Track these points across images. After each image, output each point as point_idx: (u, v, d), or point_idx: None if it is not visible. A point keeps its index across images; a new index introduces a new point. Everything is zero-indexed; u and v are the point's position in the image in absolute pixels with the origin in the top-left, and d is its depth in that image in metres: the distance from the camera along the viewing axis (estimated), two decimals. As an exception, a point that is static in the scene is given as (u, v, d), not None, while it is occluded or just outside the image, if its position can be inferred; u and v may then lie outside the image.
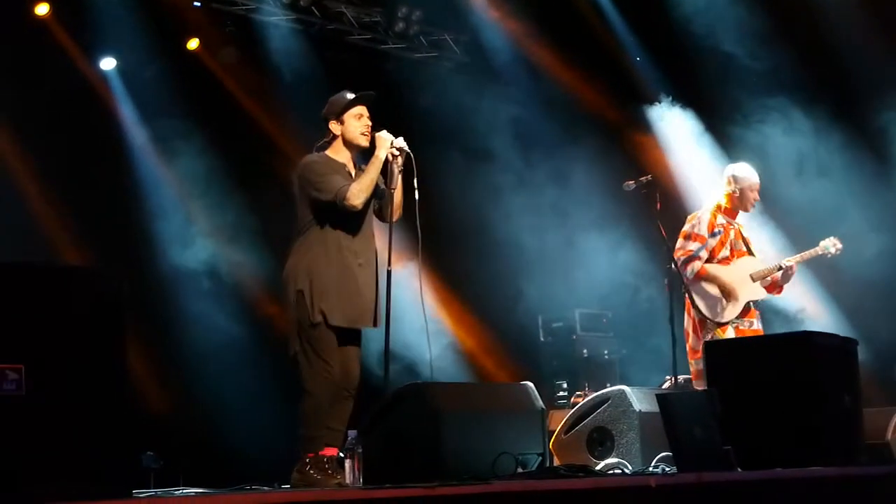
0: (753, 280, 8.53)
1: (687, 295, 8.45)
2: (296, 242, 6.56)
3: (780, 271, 8.56)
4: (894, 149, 10.70)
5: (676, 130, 11.53)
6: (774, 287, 8.68)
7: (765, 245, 9.05)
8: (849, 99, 10.83)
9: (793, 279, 8.71)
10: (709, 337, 8.34)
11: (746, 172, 8.68)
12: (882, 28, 10.62)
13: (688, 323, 8.53)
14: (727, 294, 8.43)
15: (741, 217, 8.79)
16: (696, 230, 8.55)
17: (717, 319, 8.40)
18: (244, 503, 4.64)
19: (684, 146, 11.47)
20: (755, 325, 8.53)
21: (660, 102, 11.49)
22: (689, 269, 8.42)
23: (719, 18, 11.05)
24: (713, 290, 8.45)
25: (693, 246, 8.48)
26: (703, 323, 8.43)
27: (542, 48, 12.35)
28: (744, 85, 11.07)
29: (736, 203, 8.66)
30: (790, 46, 10.97)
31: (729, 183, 8.66)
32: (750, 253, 8.67)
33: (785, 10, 11.04)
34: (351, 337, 6.55)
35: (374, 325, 6.66)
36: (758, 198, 8.72)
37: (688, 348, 8.52)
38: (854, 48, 10.75)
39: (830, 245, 8.58)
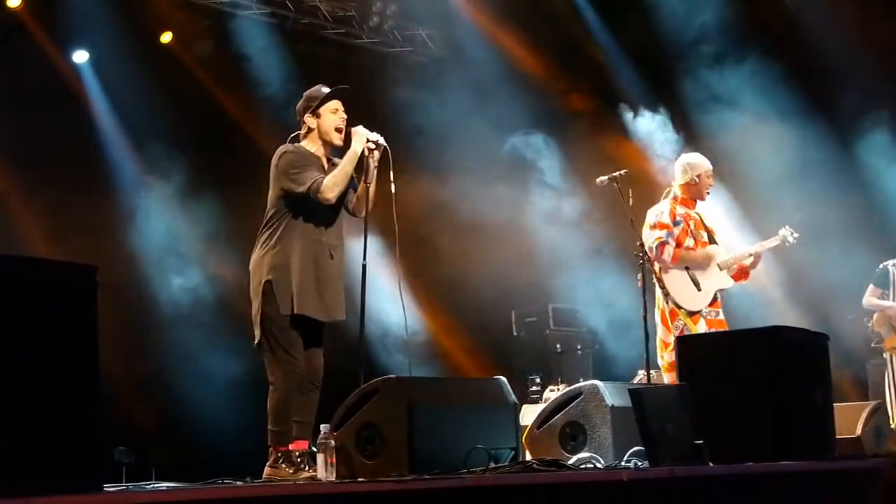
0: (720, 269, 8.58)
1: (659, 285, 8.48)
2: (265, 232, 6.53)
3: (751, 258, 8.62)
4: (861, 147, 10.81)
5: (651, 132, 11.61)
6: (742, 274, 8.73)
7: (728, 234, 9.10)
8: (819, 99, 10.92)
9: (760, 270, 8.81)
10: (680, 327, 8.37)
11: (700, 160, 8.75)
12: (854, 25, 10.70)
13: (658, 314, 8.55)
14: (697, 282, 8.48)
15: (700, 206, 8.82)
16: (660, 220, 8.59)
17: (689, 308, 8.44)
18: (216, 497, 4.63)
19: (656, 134, 11.55)
20: (721, 315, 8.59)
21: (638, 112, 11.56)
22: (664, 253, 8.45)
23: (692, 15, 11.13)
24: (684, 279, 8.49)
25: (661, 234, 8.51)
26: (674, 314, 8.46)
27: (514, 42, 12.37)
28: (714, 80, 11.14)
29: (693, 192, 8.70)
30: (762, 42, 11.06)
31: (685, 172, 8.70)
32: (712, 241, 8.71)
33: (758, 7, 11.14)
34: (316, 329, 6.54)
35: (345, 317, 6.66)
36: (712, 184, 8.77)
37: (658, 341, 8.54)
38: (827, 46, 10.83)
39: (788, 234, 8.64)
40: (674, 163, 8.95)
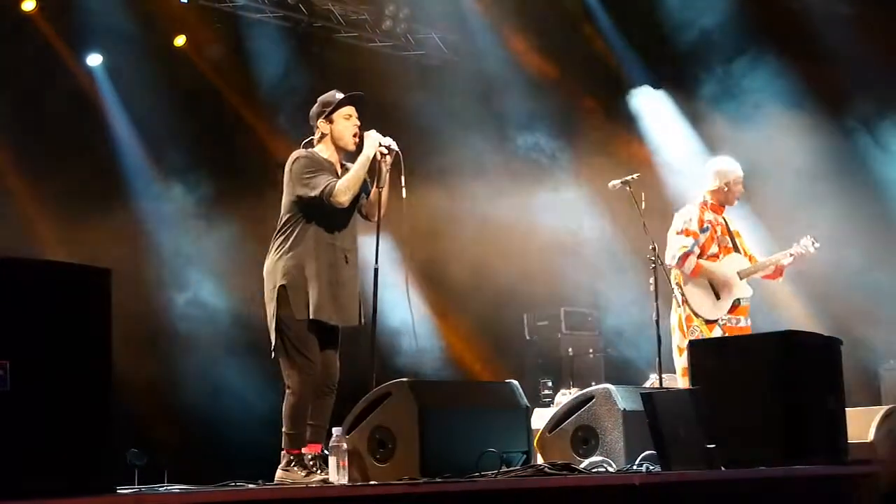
0: (741, 277, 8.55)
1: (678, 290, 8.46)
2: (279, 237, 6.54)
3: (791, 258, 8.57)
4: (875, 147, 10.80)
5: (660, 117, 11.64)
6: (777, 273, 8.71)
7: (747, 238, 9.08)
8: (833, 100, 10.90)
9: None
10: (695, 333, 8.35)
11: (731, 166, 8.71)
12: (865, 22, 10.70)
13: (675, 319, 8.53)
14: (717, 291, 8.46)
15: (727, 212, 8.80)
16: (688, 226, 8.54)
17: (706, 316, 8.42)
18: (228, 500, 4.64)
19: (668, 135, 11.56)
20: (742, 323, 8.54)
21: (647, 86, 11.61)
22: (685, 264, 8.42)
23: (705, 15, 11.14)
24: (704, 287, 8.47)
25: (687, 241, 8.47)
26: (690, 319, 8.44)
27: (526, 45, 12.37)
28: (728, 81, 11.15)
29: (721, 198, 8.67)
30: (778, 43, 11.06)
31: (715, 178, 8.68)
32: (736, 249, 8.68)
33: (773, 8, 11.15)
34: (331, 333, 6.55)
35: (360, 322, 6.67)
36: (742, 190, 8.74)
37: (675, 346, 8.53)
38: (840, 45, 10.82)
39: (810, 244, 8.60)
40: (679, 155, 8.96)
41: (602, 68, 12.43)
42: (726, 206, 8.74)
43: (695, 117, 11.59)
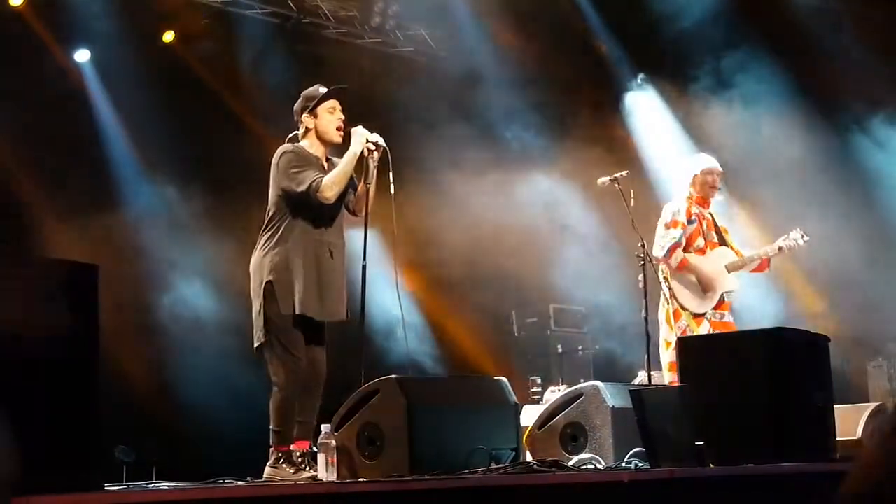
0: (729, 271, 8.57)
1: (666, 285, 8.47)
2: (265, 233, 6.53)
3: (779, 252, 8.58)
4: (862, 146, 10.83)
5: (651, 113, 11.65)
6: (765, 265, 8.73)
7: (738, 234, 9.09)
8: (826, 96, 10.92)
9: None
10: (682, 328, 8.36)
11: (701, 158, 8.77)
12: (858, 18, 10.72)
13: (662, 313, 8.54)
14: (704, 285, 8.47)
15: (714, 207, 8.82)
16: (676, 217, 8.56)
17: (694, 310, 8.43)
18: (216, 497, 4.63)
19: (659, 132, 11.57)
20: (727, 318, 8.57)
21: (637, 81, 11.59)
22: (672, 257, 8.44)
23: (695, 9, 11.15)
24: (692, 280, 8.49)
25: (675, 233, 8.49)
26: (677, 314, 8.45)
27: (516, 40, 12.36)
28: (721, 77, 11.17)
29: (703, 192, 8.69)
30: (771, 39, 11.08)
31: (688, 171, 8.71)
32: (723, 242, 8.70)
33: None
34: (318, 328, 6.54)
35: (346, 317, 6.66)
36: (716, 181, 8.71)
37: (661, 340, 8.54)
38: (833, 41, 10.84)
39: (799, 236, 8.61)
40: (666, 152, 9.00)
41: (592, 63, 12.43)
42: (710, 201, 8.75)
43: (686, 113, 11.60)
